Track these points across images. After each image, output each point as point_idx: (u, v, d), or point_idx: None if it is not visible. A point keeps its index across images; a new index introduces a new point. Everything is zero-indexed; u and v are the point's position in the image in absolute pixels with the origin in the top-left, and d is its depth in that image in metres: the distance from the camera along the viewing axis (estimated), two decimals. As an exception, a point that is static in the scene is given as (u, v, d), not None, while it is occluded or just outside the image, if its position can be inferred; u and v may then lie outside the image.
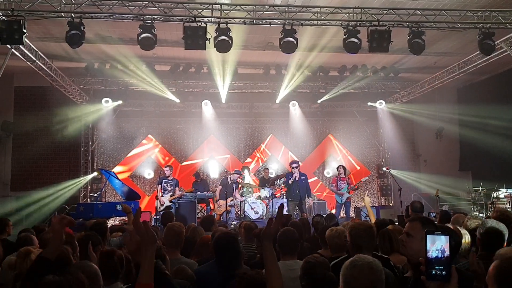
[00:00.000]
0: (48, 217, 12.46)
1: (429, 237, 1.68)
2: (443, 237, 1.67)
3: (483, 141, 13.02)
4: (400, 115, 15.29)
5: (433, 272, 1.65)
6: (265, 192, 13.35)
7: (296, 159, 13.98)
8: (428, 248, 1.67)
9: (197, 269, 3.72)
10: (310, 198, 11.75)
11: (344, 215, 12.26)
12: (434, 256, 1.66)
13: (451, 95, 16.06)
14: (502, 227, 3.45)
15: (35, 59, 10.64)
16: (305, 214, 10.76)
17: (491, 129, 12.73)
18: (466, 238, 3.91)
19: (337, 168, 12.48)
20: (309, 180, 12.51)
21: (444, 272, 1.65)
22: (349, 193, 12.01)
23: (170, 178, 11.71)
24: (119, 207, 6.96)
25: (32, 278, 2.30)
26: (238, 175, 12.53)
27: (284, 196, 12.07)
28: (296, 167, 11.05)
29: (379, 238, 4.19)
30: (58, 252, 2.52)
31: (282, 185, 11.45)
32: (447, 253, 1.66)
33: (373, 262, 2.20)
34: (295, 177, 10.88)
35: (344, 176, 12.12)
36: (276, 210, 9.95)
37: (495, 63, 11.77)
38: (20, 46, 9.36)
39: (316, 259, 3.14)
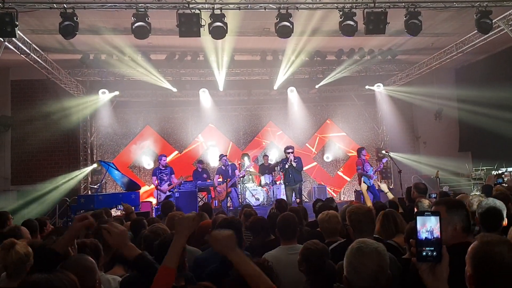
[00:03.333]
0: (49, 210, 12.51)
1: (419, 218, 1.67)
2: (433, 217, 1.66)
3: (482, 121, 12.98)
4: (398, 98, 15.23)
5: (424, 253, 1.64)
6: (266, 179, 13.38)
7: (293, 144, 13.91)
8: (418, 229, 1.66)
9: (196, 256, 3.73)
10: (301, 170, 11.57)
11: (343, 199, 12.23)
12: (424, 237, 1.65)
13: (449, 76, 16.00)
14: (499, 204, 3.46)
15: (29, 52, 10.56)
16: (298, 200, 10.77)
17: (490, 108, 12.68)
18: None
19: (360, 150, 11.99)
20: (308, 166, 12.32)
21: (435, 253, 1.64)
22: (374, 175, 11.83)
23: (164, 168, 11.63)
24: (120, 207, 6.98)
25: (39, 269, 2.30)
26: (225, 157, 12.34)
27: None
28: (291, 152, 11.03)
29: (383, 220, 4.19)
30: (67, 247, 2.52)
31: (281, 171, 11.40)
32: (437, 233, 1.65)
33: (380, 247, 2.19)
34: (290, 160, 10.89)
35: (366, 159, 11.88)
36: (277, 196, 10.06)
37: (493, 42, 11.70)
38: (13, 39, 9.30)
39: (316, 246, 3.12)
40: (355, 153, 13.55)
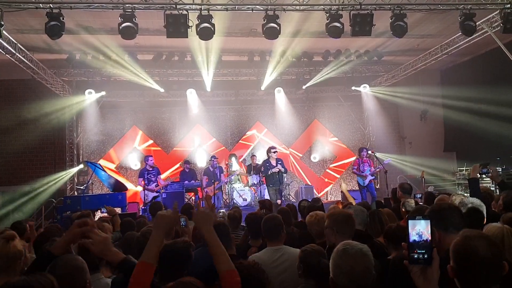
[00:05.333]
0: (35, 211, 12.40)
1: (410, 222, 1.71)
2: (423, 221, 1.70)
3: (466, 122, 13.17)
4: (384, 99, 15.36)
5: (415, 256, 1.69)
6: (253, 179, 13.40)
7: (280, 144, 13.95)
8: (409, 233, 1.70)
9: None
10: (285, 174, 11.69)
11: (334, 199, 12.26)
12: (416, 240, 1.70)
13: (435, 77, 16.19)
14: (478, 204, 3.57)
15: (14, 51, 10.44)
16: (280, 201, 10.77)
17: (474, 109, 12.87)
18: None
19: (360, 151, 12.19)
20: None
21: (426, 256, 1.68)
22: (372, 175, 11.84)
23: (151, 168, 11.61)
24: (104, 210, 7.00)
25: (35, 271, 2.32)
26: (215, 159, 12.43)
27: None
28: (275, 153, 11.03)
29: (370, 219, 4.26)
30: (64, 250, 2.53)
31: (263, 175, 11.33)
32: (428, 237, 1.69)
33: (364, 248, 2.24)
34: (279, 169, 10.81)
35: (366, 159, 11.94)
36: (264, 196, 9.98)
37: (476, 44, 11.87)
38: (-1, 38, 9.19)
39: (312, 248, 3.15)
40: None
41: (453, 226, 2.56)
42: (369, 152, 12.18)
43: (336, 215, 3.47)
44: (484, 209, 3.58)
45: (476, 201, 3.61)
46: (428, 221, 1.70)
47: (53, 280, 2.00)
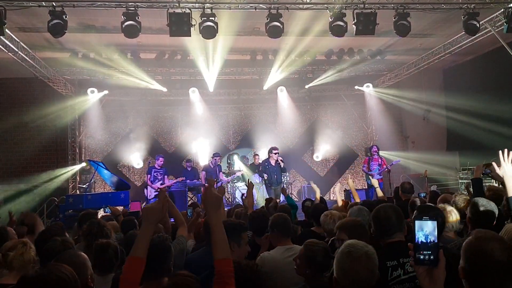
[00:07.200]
0: (37, 209, 12.38)
1: (417, 222, 1.69)
2: (430, 222, 1.68)
3: (469, 121, 13.13)
4: (387, 98, 15.33)
5: (421, 257, 1.67)
6: (255, 178, 13.38)
7: (283, 144, 13.90)
8: (416, 233, 1.69)
9: (189, 257, 3.72)
10: (285, 173, 11.77)
11: (333, 198, 12.21)
12: (422, 241, 1.68)
13: (437, 76, 16.15)
14: (492, 206, 3.52)
15: (17, 50, 10.44)
16: (278, 200, 10.74)
17: (476, 108, 12.82)
18: (453, 215, 3.98)
19: (370, 148, 12.02)
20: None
21: (432, 257, 1.67)
22: (380, 174, 11.66)
23: (159, 168, 11.68)
24: (107, 210, 7.03)
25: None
26: (217, 157, 12.48)
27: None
28: (276, 153, 11.00)
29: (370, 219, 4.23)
30: None
31: (264, 174, 11.28)
32: (434, 238, 1.67)
33: (369, 250, 2.22)
34: (277, 161, 10.83)
35: (376, 157, 11.78)
36: (267, 196, 9.87)
37: (480, 44, 11.84)
38: (1, 37, 9.19)
39: (317, 245, 3.05)
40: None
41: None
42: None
43: (349, 226, 3.38)
44: (496, 212, 3.54)
45: (490, 204, 3.57)
46: (435, 222, 1.68)
47: (73, 271, 2.00)
